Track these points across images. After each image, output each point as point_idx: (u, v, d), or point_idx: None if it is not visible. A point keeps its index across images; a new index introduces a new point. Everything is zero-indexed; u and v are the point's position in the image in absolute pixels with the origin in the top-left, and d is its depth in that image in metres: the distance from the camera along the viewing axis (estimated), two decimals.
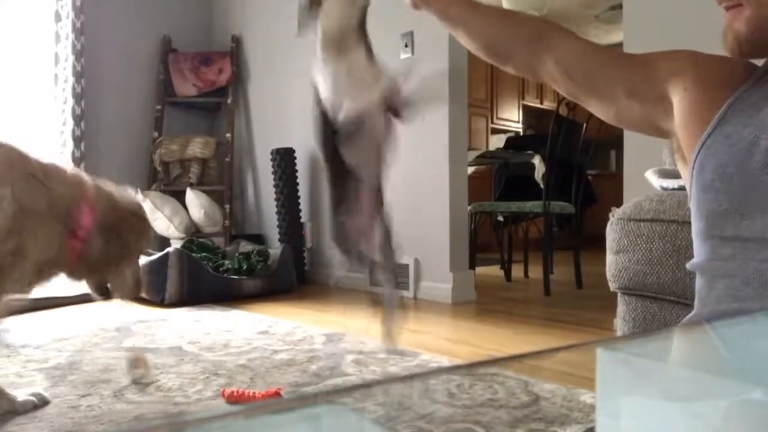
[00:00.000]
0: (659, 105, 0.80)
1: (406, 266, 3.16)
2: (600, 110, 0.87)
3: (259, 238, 4.03)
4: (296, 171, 3.69)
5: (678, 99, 0.77)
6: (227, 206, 4.06)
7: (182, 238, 3.68)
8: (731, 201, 0.68)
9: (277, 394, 1.49)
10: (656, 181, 1.53)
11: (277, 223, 3.71)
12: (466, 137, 3.23)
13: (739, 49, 0.71)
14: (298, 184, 3.71)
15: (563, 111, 3.40)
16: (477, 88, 6.20)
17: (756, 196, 0.66)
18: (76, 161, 3.89)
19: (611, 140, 4.79)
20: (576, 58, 0.86)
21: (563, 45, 0.87)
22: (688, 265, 0.79)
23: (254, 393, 1.50)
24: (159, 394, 1.53)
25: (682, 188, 1.43)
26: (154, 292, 2.87)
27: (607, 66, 0.85)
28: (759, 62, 0.75)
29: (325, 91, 0.96)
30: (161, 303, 2.87)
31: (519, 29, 0.91)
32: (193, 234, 3.85)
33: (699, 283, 0.77)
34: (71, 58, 3.85)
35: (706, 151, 0.71)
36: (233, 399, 1.49)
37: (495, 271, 4.21)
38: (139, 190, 4.22)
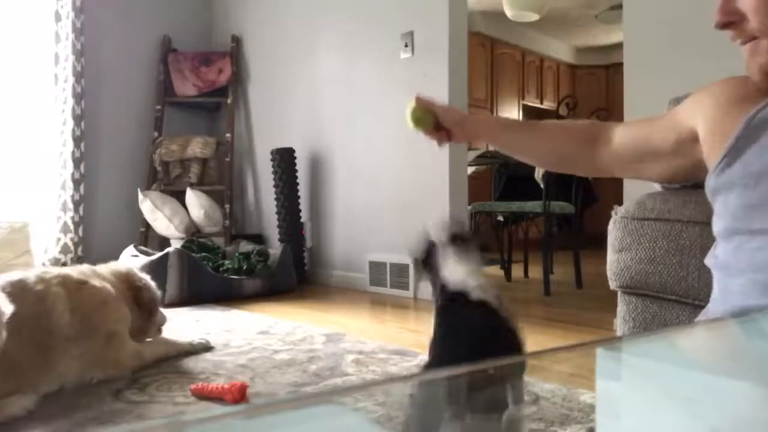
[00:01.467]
0: (696, 145, 0.85)
1: (406, 266, 3.16)
2: (657, 173, 0.97)
3: (259, 238, 4.03)
4: (296, 171, 3.70)
5: (701, 125, 0.82)
6: (227, 206, 4.06)
7: (182, 238, 3.68)
8: (760, 196, 0.70)
9: (243, 387, 1.49)
10: None
11: (277, 223, 3.71)
12: None
13: (766, 77, 0.73)
14: (298, 184, 3.71)
15: (563, 111, 3.40)
16: (477, 88, 6.19)
17: None
18: (76, 161, 3.89)
19: None
20: (626, 140, 0.95)
21: (613, 133, 0.96)
22: (706, 261, 0.79)
23: (219, 386, 1.50)
24: (159, 394, 1.53)
25: (683, 187, 1.43)
26: None
27: (648, 132, 0.93)
28: None
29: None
30: (161, 303, 2.86)
31: (574, 138, 1.00)
32: (193, 234, 3.85)
33: (720, 279, 0.77)
34: (71, 58, 3.85)
35: (735, 153, 0.74)
36: (198, 392, 1.50)
37: (495, 271, 4.21)
38: (139, 190, 4.20)
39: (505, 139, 1.04)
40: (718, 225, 0.77)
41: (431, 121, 1.08)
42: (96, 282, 1.69)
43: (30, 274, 1.57)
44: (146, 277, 1.93)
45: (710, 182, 0.79)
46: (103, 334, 1.63)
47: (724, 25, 0.72)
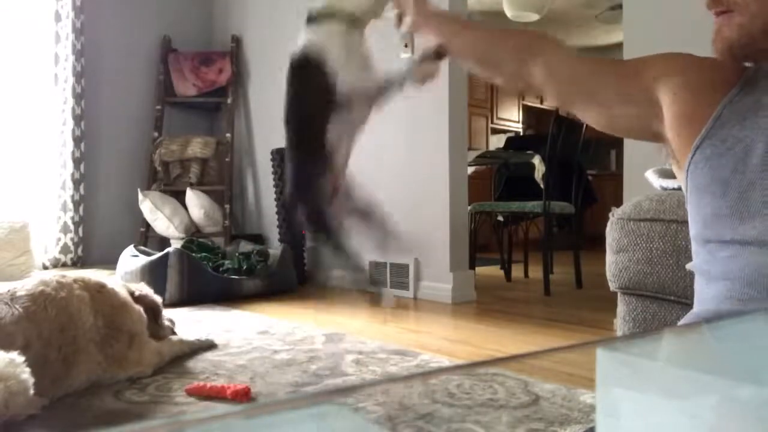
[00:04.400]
0: (650, 109, 0.79)
1: (406, 266, 3.16)
2: (592, 118, 0.86)
3: (259, 238, 4.03)
4: None
5: (668, 103, 0.76)
6: (227, 206, 4.06)
7: (182, 238, 3.68)
8: (729, 205, 0.68)
9: (246, 391, 1.50)
10: (656, 181, 1.53)
11: (277, 223, 3.71)
12: (466, 137, 3.23)
13: (730, 55, 0.71)
14: None
15: (563, 111, 3.40)
16: (477, 88, 6.20)
17: (754, 199, 0.66)
18: (76, 161, 3.89)
19: (611, 140, 4.80)
20: (565, 66, 0.86)
21: (552, 53, 0.87)
22: (687, 266, 0.78)
23: (219, 386, 1.50)
24: (159, 394, 1.53)
25: (682, 188, 1.43)
26: (154, 292, 2.86)
27: (596, 72, 0.85)
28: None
29: (334, 55, 0.93)
30: (161, 303, 2.86)
31: (507, 41, 0.92)
32: (193, 234, 3.85)
33: (698, 283, 0.77)
34: (71, 58, 3.85)
35: (701, 154, 0.71)
36: (194, 391, 1.51)
37: (495, 271, 4.21)
38: (139, 190, 4.20)
39: (446, 31, 0.95)
40: (692, 228, 0.75)
41: None
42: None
43: (47, 279, 1.55)
44: (140, 285, 1.96)
45: (681, 179, 0.77)
46: (126, 335, 1.65)
47: None
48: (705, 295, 0.73)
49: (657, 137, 0.82)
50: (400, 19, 0.98)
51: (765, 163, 0.66)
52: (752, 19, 0.68)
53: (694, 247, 0.76)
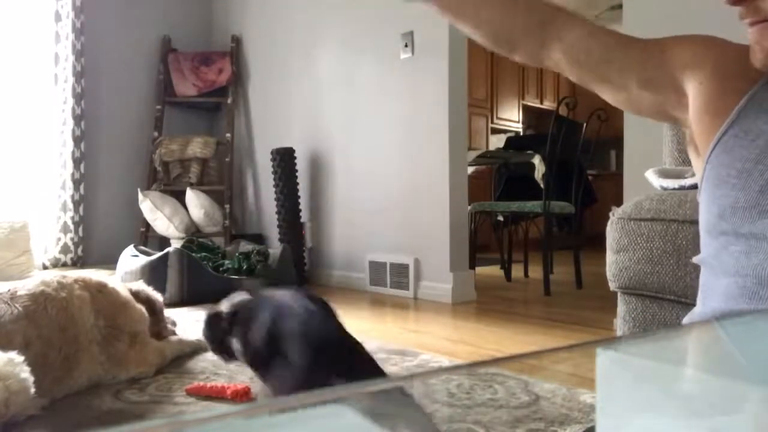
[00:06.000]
0: (672, 94, 0.77)
1: (406, 266, 3.16)
2: (611, 97, 0.84)
3: (259, 238, 4.03)
4: (296, 171, 3.70)
5: (693, 92, 0.75)
6: (227, 206, 4.06)
7: (182, 238, 3.68)
8: (748, 198, 0.66)
9: (246, 390, 1.50)
10: (656, 181, 1.53)
11: (277, 223, 3.71)
12: (466, 137, 3.23)
13: None
14: (298, 184, 3.71)
15: (563, 111, 3.40)
16: (477, 88, 6.19)
17: None
18: (76, 161, 3.89)
19: (611, 140, 4.79)
20: (584, 45, 0.82)
21: (571, 31, 0.83)
22: (694, 259, 0.76)
23: (219, 385, 1.50)
24: (159, 394, 1.53)
25: (682, 188, 1.43)
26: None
27: (617, 52, 0.81)
28: None
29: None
30: (162, 301, 2.87)
31: (524, 17, 0.86)
32: (193, 234, 3.85)
33: (705, 277, 0.75)
34: (71, 58, 3.85)
35: (723, 146, 0.69)
36: (194, 391, 1.51)
37: (495, 271, 4.21)
38: (139, 190, 4.20)
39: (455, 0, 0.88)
40: (703, 219, 0.73)
41: None
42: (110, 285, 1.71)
43: (48, 280, 1.55)
44: (138, 284, 1.95)
45: (698, 167, 0.75)
46: (127, 335, 1.64)
47: (736, 1, 0.66)
48: (712, 291, 0.72)
49: (674, 120, 0.81)
50: None
51: None
52: None
53: (704, 239, 0.73)
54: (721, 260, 0.70)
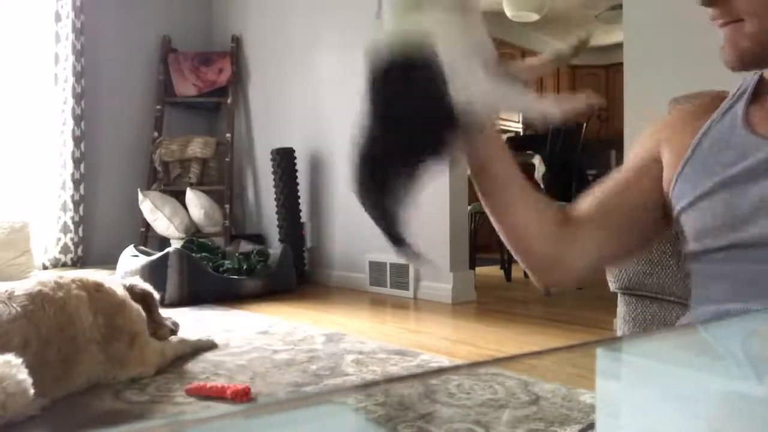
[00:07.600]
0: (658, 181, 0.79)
1: (407, 266, 3.16)
2: (647, 238, 0.86)
3: (259, 238, 4.03)
4: (296, 171, 3.70)
5: (665, 151, 0.77)
6: (227, 206, 4.06)
7: (182, 238, 3.68)
8: (716, 217, 0.69)
9: (246, 391, 1.50)
10: None
11: (277, 223, 3.71)
12: None
13: (741, 65, 0.71)
14: (298, 184, 3.71)
15: None
16: None
17: (743, 208, 0.67)
18: (76, 161, 3.89)
19: (611, 140, 4.79)
20: (593, 210, 0.78)
21: (577, 208, 0.79)
22: (685, 266, 0.78)
23: (219, 385, 1.50)
24: (159, 394, 1.53)
25: None
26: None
27: (618, 193, 0.78)
28: (746, 74, 0.75)
29: (448, 50, 0.63)
30: (161, 303, 2.85)
31: (538, 226, 0.78)
32: (193, 234, 3.85)
33: (695, 281, 0.76)
34: (71, 58, 3.85)
35: (683, 179, 0.72)
36: (194, 391, 1.51)
37: (495, 271, 4.21)
38: (139, 190, 4.20)
39: (500, 170, 0.81)
40: (687, 231, 0.74)
41: None
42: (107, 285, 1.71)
43: (45, 280, 1.55)
44: (133, 279, 1.94)
45: (668, 195, 0.76)
46: (126, 335, 1.64)
47: (709, 1, 0.67)
48: (704, 293, 0.73)
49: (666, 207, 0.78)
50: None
51: (747, 173, 0.67)
52: (761, 25, 0.67)
53: (691, 246, 0.76)
54: (709, 267, 0.72)
